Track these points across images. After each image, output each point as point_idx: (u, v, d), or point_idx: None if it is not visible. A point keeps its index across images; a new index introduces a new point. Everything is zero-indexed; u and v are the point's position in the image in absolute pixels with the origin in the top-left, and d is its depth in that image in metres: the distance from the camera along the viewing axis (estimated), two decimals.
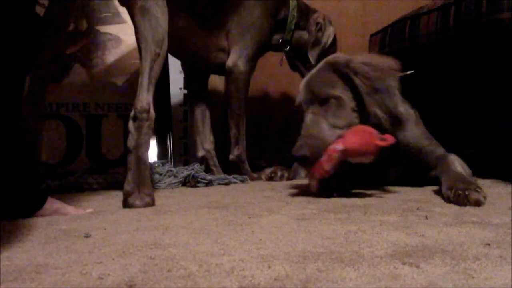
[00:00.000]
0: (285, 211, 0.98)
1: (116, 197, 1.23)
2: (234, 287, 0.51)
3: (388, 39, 1.95)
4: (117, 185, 1.46)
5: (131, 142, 1.12)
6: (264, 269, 0.56)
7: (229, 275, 0.55)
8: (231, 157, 1.83)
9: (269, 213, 0.96)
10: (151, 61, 1.15)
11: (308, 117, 1.21)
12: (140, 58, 1.17)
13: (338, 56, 1.31)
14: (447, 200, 1.05)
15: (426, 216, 0.87)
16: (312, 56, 1.93)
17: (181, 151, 2.18)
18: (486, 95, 1.54)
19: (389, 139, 1.11)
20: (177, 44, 1.72)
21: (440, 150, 1.32)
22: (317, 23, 1.94)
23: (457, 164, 1.20)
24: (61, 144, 1.90)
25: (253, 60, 1.84)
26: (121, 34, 2.02)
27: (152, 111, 1.15)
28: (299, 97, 1.27)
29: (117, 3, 2.02)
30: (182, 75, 2.17)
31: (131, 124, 1.13)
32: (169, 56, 1.96)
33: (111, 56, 2.02)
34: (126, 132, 1.15)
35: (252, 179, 1.78)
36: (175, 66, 2.15)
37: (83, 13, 1.97)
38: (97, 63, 2.00)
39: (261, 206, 1.07)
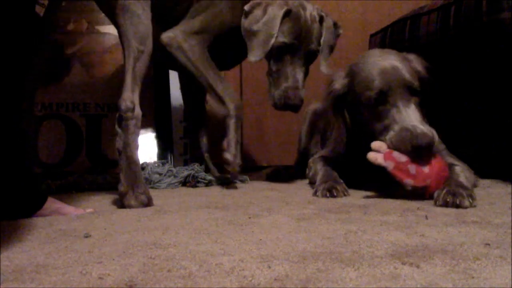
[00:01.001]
0: (285, 211, 0.99)
1: (116, 197, 1.23)
2: (234, 287, 0.51)
3: (388, 39, 1.95)
4: (117, 185, 1.46)
5: (119, 143, 1.13)
6: (264, 269, 0.56)
7: (229, 275, 0.55)
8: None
9: (269, 213, 0.96)
10: (133, 59, 1.14)
11: (407, 104, 1.10)
12: (123, 56, 1.16)
13: (418, 60, 1.23)
14: (436, 201, 1.02)
15: (426, 216, 0.87)
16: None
17: (181, 151, 2.18)
18: (486, 95, 1.54)
19: None
20: None
21: (449, 159, 1.28)
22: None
23: (462, 175, 1.18)
24: (61, 144, 1.90)
25: (199, 35, 1.54)
26: None
27: (137, 109, 1.14)
28: (380, 83, 1.13)
29: None
30: None
31: (117, 125, 1.13)
32: None
33: (111, 56, 2.01)
34: None
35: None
36: None
37: (83, 13, 1.96)
38: (97, 63, 1.99)
39: (261, 206, 1.07)
